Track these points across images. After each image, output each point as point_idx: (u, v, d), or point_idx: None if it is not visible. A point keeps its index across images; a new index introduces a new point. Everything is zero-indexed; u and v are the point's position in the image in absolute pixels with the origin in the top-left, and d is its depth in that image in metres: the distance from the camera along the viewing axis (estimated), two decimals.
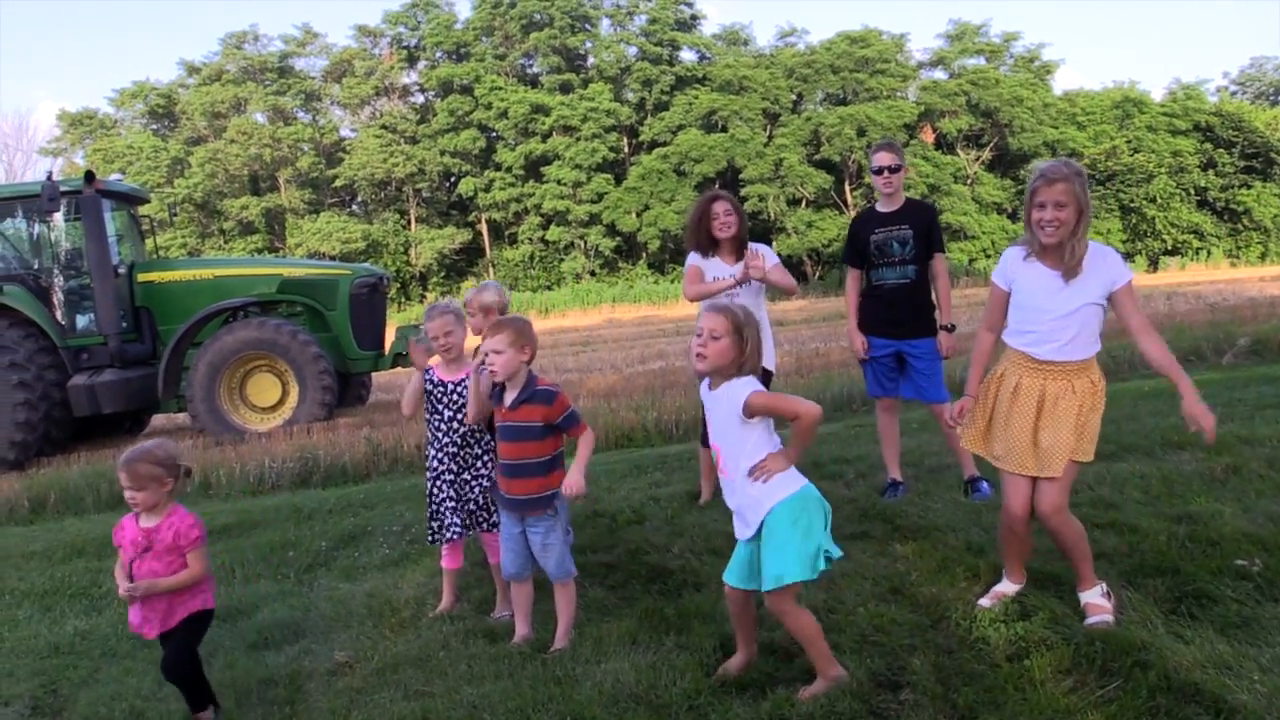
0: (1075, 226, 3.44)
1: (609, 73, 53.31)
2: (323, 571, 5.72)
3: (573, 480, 3.81)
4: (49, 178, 11.43)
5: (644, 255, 51.87)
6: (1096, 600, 3.60)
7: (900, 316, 5.62)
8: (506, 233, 54.06)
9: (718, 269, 5.67)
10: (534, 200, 50.55)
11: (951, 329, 5.70)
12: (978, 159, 53.01)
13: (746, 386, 3.28)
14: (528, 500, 3.94)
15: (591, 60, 54.80)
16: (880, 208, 5.70)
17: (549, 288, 49.99)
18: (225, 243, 49.90)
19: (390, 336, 13.52)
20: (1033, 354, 3.59)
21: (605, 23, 55.74)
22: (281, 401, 12.06)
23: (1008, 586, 3.86)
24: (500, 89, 51.55)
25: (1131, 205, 51.56)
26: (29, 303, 11.63)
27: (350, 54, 54.04)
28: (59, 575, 6.22)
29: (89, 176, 11.63)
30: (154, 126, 54.87)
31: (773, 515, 3.22)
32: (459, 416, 4.43)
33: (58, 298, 11.91)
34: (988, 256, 48.23)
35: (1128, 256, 51.81)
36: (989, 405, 3.74)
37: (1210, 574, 3.78)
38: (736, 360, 3.27)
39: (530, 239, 51.82)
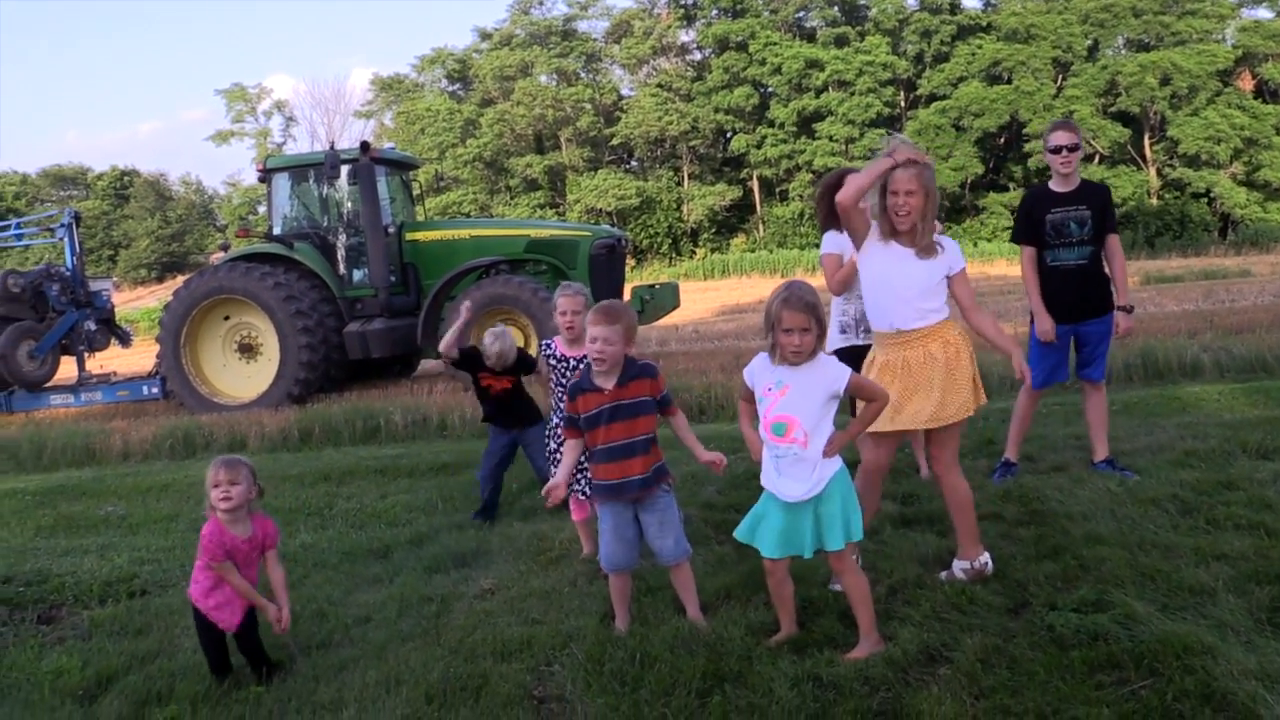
0: (924, 210, 3.95)
1: (886, 25, 51.63)
2: (506, 510, 6.42)
3: (714, 456, 3.82)
4: (331, 147, 12.98)
5: None
6: (959, 570, 4.11)
7: (1078, 298, 5.59)
8: (777, 189, 54.09)
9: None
10: (805, 157, 50.15)
11: (1130, 310, 5.72)
12: None
13: (841, 366, 3.55)
14: (643, 479, 3.84)
15: (870, 12, 53.25)
16: (1055, 187, 5.63)
17: (818, 246, 49.46)
18: (511, 199, 53.21)
19: (627, 295, 14.24)
20: (896, 327, 4.03)
21: None
22: None
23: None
24: (775, 44, 51.31)
25: None
26: (314, 258, 13.31)
27: (630, 15, 55.67)
28: (304, 496, 7.34)
29: (364, 146, 13.04)
30: (450, 89, 59.25)
31: (836, 478, 3.53)
32: None
33: (339, 254, 13.52)
34: None
35: None
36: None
37: None
38: (820, 337, 3.51)
39: (801, 196, 51.47)
